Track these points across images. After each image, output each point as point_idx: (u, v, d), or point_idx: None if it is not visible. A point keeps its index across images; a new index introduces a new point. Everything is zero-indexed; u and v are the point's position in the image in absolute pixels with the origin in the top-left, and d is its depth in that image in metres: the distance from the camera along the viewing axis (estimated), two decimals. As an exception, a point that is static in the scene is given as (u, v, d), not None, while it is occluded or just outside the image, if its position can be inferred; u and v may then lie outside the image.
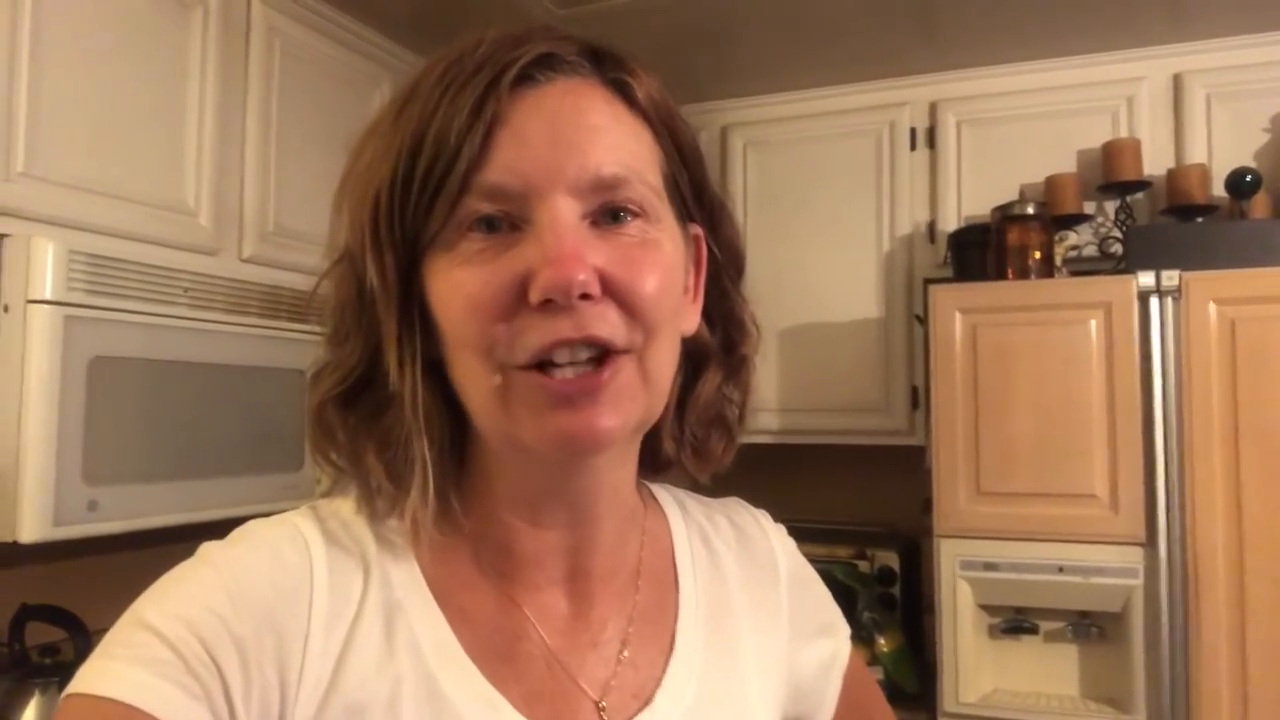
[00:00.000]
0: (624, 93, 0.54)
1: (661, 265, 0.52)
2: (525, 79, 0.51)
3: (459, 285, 0.50)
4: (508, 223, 0.50)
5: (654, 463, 0.62)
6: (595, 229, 0.50)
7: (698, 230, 0.59)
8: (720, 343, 0.61)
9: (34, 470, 1.27)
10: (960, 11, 2.07)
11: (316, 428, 0.55)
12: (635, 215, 0.51)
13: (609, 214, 0.51)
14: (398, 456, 0.53)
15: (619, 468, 0.58)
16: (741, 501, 0.74)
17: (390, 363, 0.52)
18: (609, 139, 0.51)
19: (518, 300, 0.49)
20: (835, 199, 2.45)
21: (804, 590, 0.71)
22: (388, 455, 0.53)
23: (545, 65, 0.51)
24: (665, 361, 0.54)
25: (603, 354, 0.50)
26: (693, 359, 0.60)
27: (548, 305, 0.48)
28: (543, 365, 0.49)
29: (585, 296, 0.48)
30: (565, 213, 0.49)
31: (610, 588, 0.60)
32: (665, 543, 0.65)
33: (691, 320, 0.58)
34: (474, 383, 0.51)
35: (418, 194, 0.50)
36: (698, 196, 0.58)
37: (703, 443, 0.62)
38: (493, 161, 0.49)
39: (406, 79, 0.54)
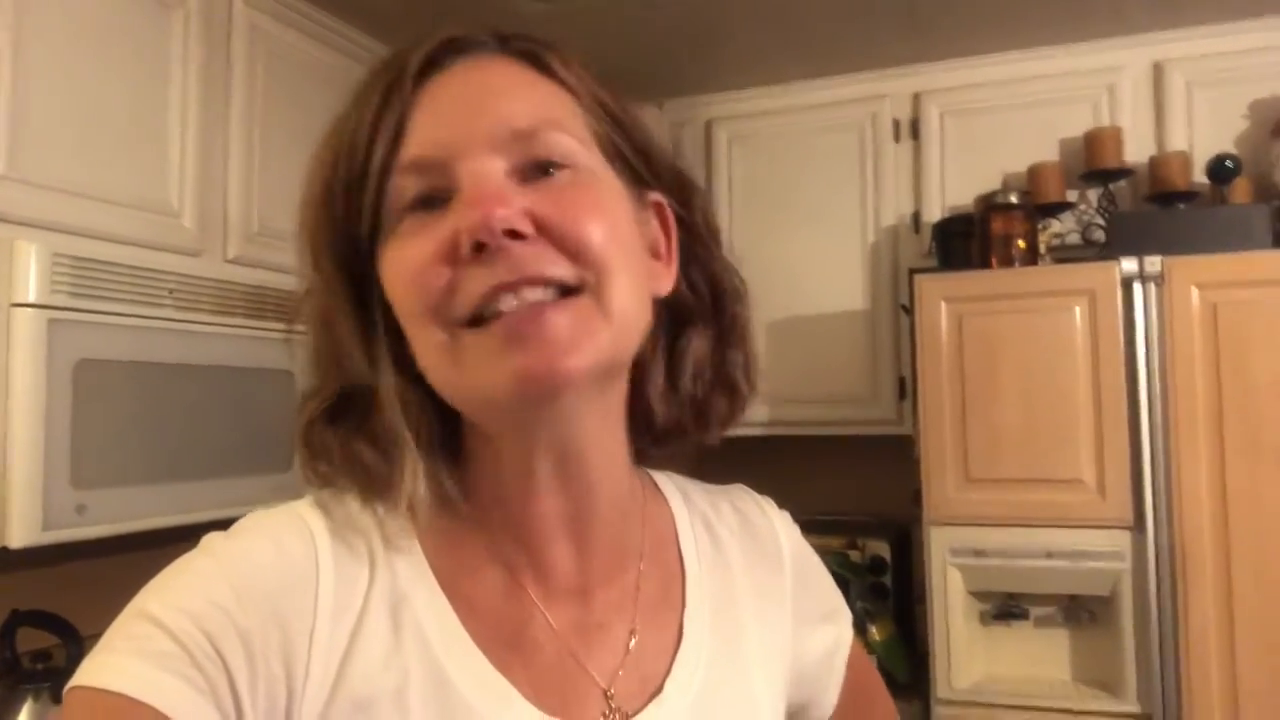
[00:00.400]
0: (536, 62, 0.54)
1: (597, 204, 0.51)
2: (431, 65, 0.52)
3: (400, 259, 0.50)
4: (441, 199, 0.50)
5: (650, 430, 0.60)
6: (524, 185, 0.50)
7: (658, 197, 0.58)
8: (707, 303, 0.60)
9: (21, 475, 1.26)
10: (941, 2, 2.07)
11: (307, 448, 0.55)
12: (564, 167, 0.51)
13: (537, 169, 0.51)
14: (389, 452, 0.53)
15: (598, 417, 0.55)
16: (745, 488, 0.73)
17: (359, 366, 0.52)
18: (522, 94, 0.52)
19: (453, 258, 0.48)
20: (820, 191, 2.45)
21: (808, 577, 0.71)
22: (379, 452, 0.53)
23: (450, 50, 0.52)
24: (627, 297, 0.52)
25: (556, 294, 0.49)
26: (676, 318, 0.60)
27: (482, 253, 0.48)
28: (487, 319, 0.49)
29: (515, 236, 0.48)
30: (487, 166, 0.50)
31: (615, 574, 0.59)
32: (668, 529, 0.65)
33: (666, 283, 0.58)
34: (426, 349, 0.51)
35: (344, 196, 0.51)
36: (647, 162, 0.57)
37: (704, 404, 0.61)
38: (410, 140, 0.50)
39: (330, 123, 0.55)
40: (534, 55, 0.54)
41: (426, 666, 0.51)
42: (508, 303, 0.48)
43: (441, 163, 0.50)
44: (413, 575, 0.54)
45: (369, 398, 0.53)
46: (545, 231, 0.49)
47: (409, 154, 0.50)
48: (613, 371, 0.53)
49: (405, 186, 0.50)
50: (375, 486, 0.53)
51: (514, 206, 0.48)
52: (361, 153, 0.50)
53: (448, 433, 0.55)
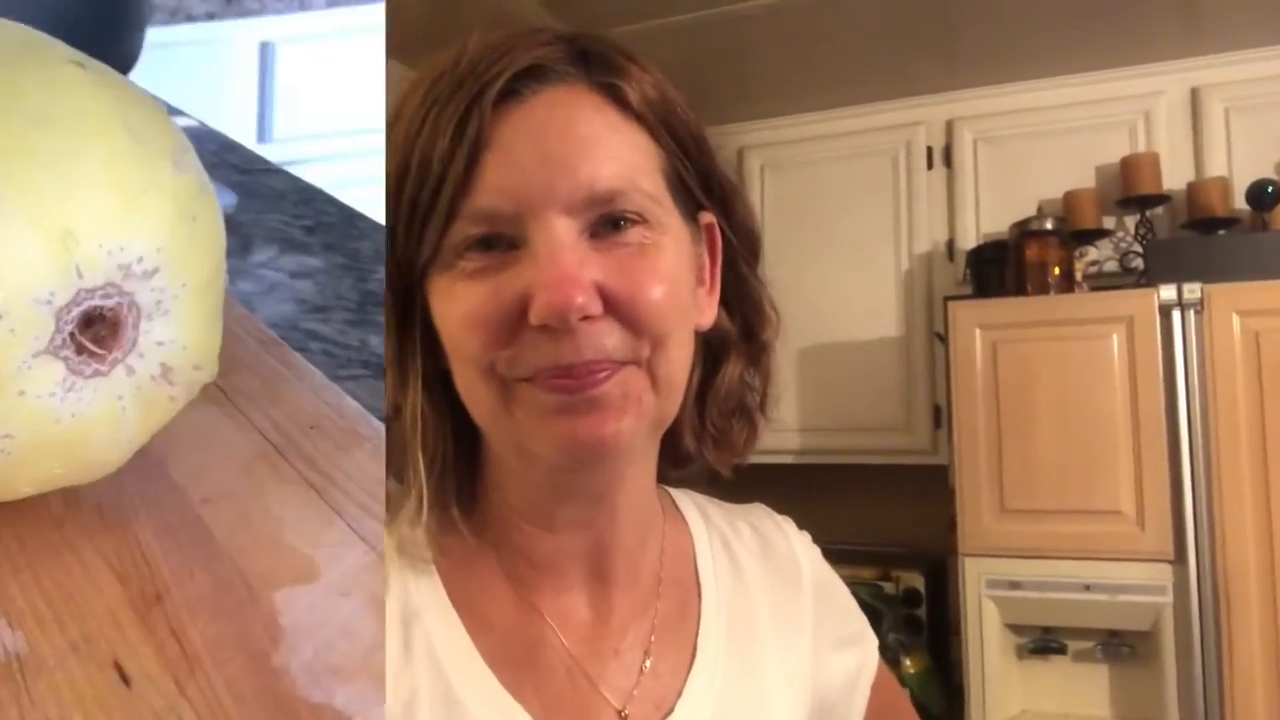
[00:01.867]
0: (616, 96, 0.52)
1: (663, 273, 0.51)
2: (510, 94, 0.49)
3: (458, 301, 0.50)
4: (505, 241, 0.49)
5: (674, 458, 0.60)
6: (594, 240, 0.50)
7: (710, 219, 0.57)
8: (740, 330, 0.60)
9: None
10: (975, 30, 2.07)
11: None
12: (635, 223, 0.50)
13: (608, 223, 0.50)
14: (404, 467, 0.53)
15: (634, 467, 0.56)
16: (765, 508, 0.72)
17: (389, 382, 0.53)
18: (601, 150, 0.50)
19: (517, 321, 0.48)
20: (853, 219, 2.45)
21: (829, 599, 0.69)
22: (394, 467, 0.54)
23: (530, 77, 0.50)
24: (678, 365, 0.53)
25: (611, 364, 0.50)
26: (712, 349, 0.59)
27: (547, 327, 0.47)
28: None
29: (585, 318, 0.48)
30: (561, 232, 0.48)
31: (632, 594, 0.59)
32: (686, 549, 0.64)
33: (709, 314, 0.57)
34: (474, 394, 0.51)
35: (405, 222, 0.50)
36: (706, 185, 0.57)
37: (724, 434, 0.60)
38: (481, 185, 0.48)
39: (397, 97, 0.53)
40: (614, 89, 0.52)
41: (435, 684, 0.51)
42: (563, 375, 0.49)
43: (512, 216, 0.48)
44: (424, 591, 0.53)
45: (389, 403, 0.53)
46: (611, 305, 0.49)
47: (478, 203, 0.48)
48: (659, 430, 0.54)
49: (468, 231, 0.49)
50: (390, 505, 0.54)
51: (585, 283, 0.47)
52: (433, 183, 0.48)
53: (468, 443, 0.55)
